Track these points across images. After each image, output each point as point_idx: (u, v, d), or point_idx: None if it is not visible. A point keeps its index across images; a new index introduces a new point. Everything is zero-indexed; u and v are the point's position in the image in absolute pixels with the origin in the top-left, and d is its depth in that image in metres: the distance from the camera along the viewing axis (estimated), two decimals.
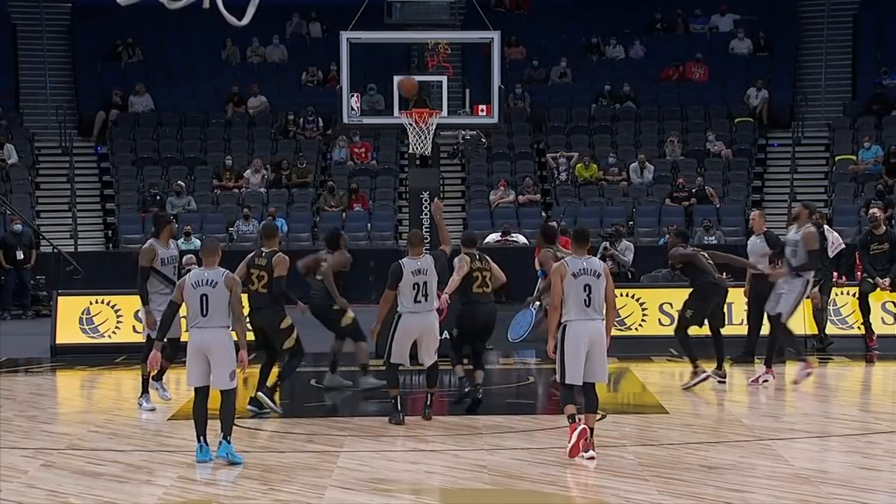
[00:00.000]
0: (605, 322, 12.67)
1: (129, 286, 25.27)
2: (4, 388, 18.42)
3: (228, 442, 12.56)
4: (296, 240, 32.76)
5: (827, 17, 38.57)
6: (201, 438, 12.63)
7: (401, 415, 14.77)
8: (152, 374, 15.97)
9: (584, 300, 12.50)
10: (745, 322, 19.75)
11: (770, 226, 33.71)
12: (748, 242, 19.37)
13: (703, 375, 17.34)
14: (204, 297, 12.63)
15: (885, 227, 21.91)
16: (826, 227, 21.79)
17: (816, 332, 21.34)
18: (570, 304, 12.52)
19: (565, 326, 12.53)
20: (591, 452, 12.42)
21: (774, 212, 34.33)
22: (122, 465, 12.75)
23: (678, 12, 39.68)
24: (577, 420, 12.51)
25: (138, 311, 22.03)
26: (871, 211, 21.78)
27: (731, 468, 12.31)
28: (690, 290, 17.68)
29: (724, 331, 18.19)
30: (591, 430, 12.50)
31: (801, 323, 21.07)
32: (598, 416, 13.22)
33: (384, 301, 15.03)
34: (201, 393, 12.70)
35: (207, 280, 12.70)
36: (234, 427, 12.68)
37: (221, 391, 12.65)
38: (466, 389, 15.76)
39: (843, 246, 21.64)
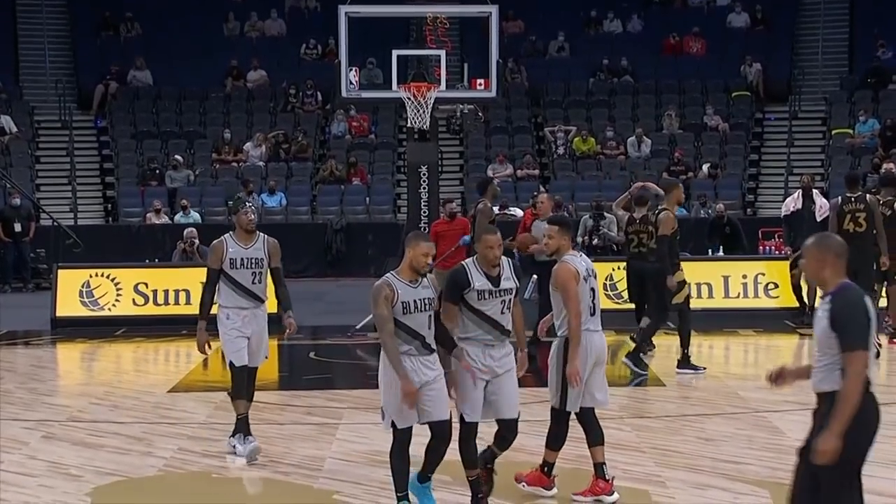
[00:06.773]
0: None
1: (129, 259, 25.49)
2: (5, 361, 18.51)
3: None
4: (294, 213, 32.80)
5: None
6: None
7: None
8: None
9: (591, 308, 10.04)
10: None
11: (767, 199, 33.99)
12: (532, 225, 18.12)
13: None
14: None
15: None
16: (816, 191, 21.79)
17: (798, 306, 21.29)
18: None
19: (566, 340, 9.94)
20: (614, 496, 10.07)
21: (771, 185, 34.42)
22: (123, 437, 12.82)
23: None
24: (552, 478, 10.30)
25: (138, 284, 22.33)
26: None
27: (727, 440, 12.39)
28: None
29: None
30: (603, 464, 10.11)
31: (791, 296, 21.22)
32: None
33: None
34: None
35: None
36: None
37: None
38: None
39: None
